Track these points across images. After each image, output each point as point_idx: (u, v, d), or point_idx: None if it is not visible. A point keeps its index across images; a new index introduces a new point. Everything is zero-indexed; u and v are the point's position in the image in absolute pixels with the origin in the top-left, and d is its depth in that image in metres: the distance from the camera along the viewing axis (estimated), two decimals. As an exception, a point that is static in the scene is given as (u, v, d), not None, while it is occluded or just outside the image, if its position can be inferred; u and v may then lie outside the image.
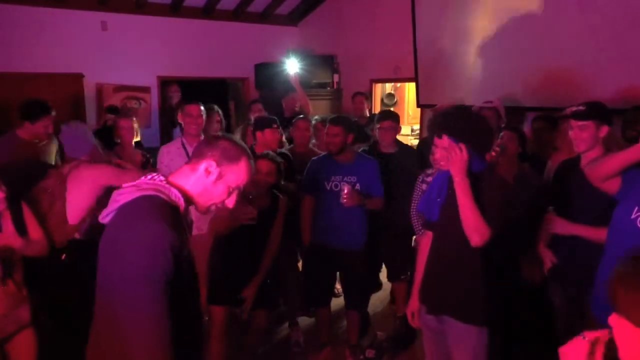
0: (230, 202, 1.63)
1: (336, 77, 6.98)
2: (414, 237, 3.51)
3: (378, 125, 3.74)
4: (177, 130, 4.52)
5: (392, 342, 3.75)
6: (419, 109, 6.20)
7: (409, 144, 5.13)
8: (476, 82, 5.11)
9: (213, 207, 1.64)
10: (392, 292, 4.28)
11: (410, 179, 3.41)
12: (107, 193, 2.93)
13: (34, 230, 2.63)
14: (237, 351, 3.27)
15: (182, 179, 1.58)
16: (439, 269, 2.25)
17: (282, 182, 3.27)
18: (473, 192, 2.05)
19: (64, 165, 2.98)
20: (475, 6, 5.03)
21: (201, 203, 1.60)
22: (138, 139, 4.25)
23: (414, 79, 5.74)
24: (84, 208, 2.93)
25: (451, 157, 2.07)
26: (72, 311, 2.97)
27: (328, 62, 6.92)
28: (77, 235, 2.99)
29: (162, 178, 1.55)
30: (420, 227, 3.14)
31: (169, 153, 3.48)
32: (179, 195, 1.53)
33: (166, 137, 5.29)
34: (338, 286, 3.99)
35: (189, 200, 1.58)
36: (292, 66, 5.77)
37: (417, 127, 7.02)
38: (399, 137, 3.92)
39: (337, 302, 3.87)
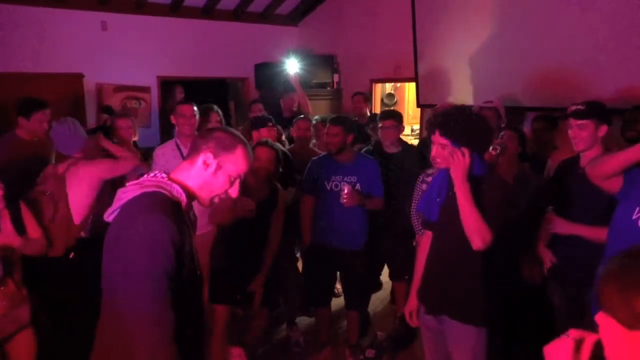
0: (234, 192, 1.63)
1: (336, 77, 6.97)
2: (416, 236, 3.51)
3: (380, 125, 3.73)
4: (176, 130, 4.51)
5: (392, 342, 3.75)
6: (419, 109, 6.20)
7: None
8: (476, 82, 5.11)
9: (216, 199, 1.64)
10: (392, 292, 4.28)
11: (413, 178, 3.41)
12: (104, 188, 3.00)
13: (33, 229, 2.64)
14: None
15: (182, 174, 1.59)
16: (438, 269, 2.25)
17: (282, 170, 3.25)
18: (474, 195, 2.04)
19: (58, 165, 2.96)
20: (475, 6, 5.02)
21: (203, 196, 1.61)
22: (136, 138, 4.25)
23: (414, 79, 5.74)
24: (86, 206, 2.95)
25: (453, 161, 2.06)
26: (72, 311, 2.98)
27: (328, 62, 6.92)
28: (82, 234, 3.01)
29: (164, 175, 1.57)
30: (420, 227, 3.14)
31: (164, 155, 3.44)
32: (181, 191, 1.54)
33: (166, 137, 5.28)
34: (338, 286, 3.99)
35: (190, 195, 1.59)
36: (292, 66, 5.78)
37: (417, 127, 7.02)
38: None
39: (337, 302, 3.87)
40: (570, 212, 2.57)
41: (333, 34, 7.00)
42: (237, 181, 1.62)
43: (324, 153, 3.56)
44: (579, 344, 1.06)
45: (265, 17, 7.07)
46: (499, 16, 4.84)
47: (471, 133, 2.08)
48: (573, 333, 1.08)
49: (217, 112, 3.97)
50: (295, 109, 5.23)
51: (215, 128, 1.66)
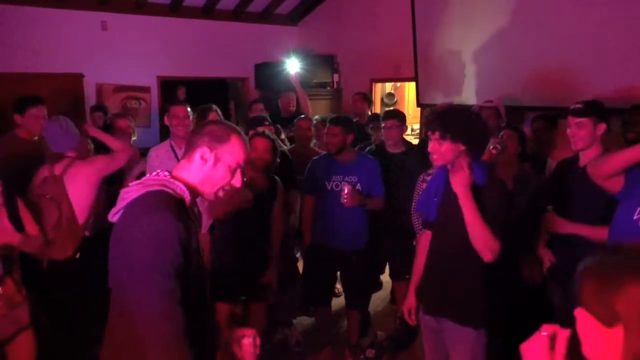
0: (237, 182, 1.63)
1: (336, 77, 6.97)
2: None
3: (383, 125, 3.73)
4: (171, 132, 4.49)
5: (392, 341, 3.75)
6: (419, 109, 6.20)
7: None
8: (476, 81, 5.11)
9: (220, 192, 1.64)
10: (392, 292, 4.28)
11: (415, 178, 3.40)
12: (101, 186, 3.02)
13: (31, 226, 2.62)
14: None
15: (183, 172, 1.59)
16: (437, 269, 2.25)
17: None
18: (476, 203, 2.04)
19: (53, 165, 2.93)
20: (475, 6, 5.02)
21: (207, 191, 1.61)
22: (135, 137, 4.26)
23: (414, 78, 5.74)
24: (87, 205, 2.97)
25: (453, 176, 2.06)
26: (73, 311, 2.98)
27: (328, 62, 6.92)
28: (86, 233, 3.02)
29: (166, 173, 1.57)
30: (420, 227, 3.14)
31: (158, 157, 3.39)
32: (184, 188, 1.54)
33: (166, 137, 5.21)
34: (338, 286, 3.99)
35: (194, 192, 1.59)
36: (293, 66, 5.78)
37: (417, 126, 7.01)
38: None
39: (337, 302, 3.87)
40: (570, 212, 2.57)
41: (333, 34, 6.99)
42: (239, 171, 1.62)
43: (325, 153, 3.56)
44: (553, 340, 1.06)
45: (265, 17, 7.07)
46: (499, 16, 4.84)
47: (468, 128, 2.09)
48: (546, 329, 1.08)
49: (216, 111, 3.97)
50: (292, 108, 5.22)
51: (207, 122, 1.67)
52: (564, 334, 1.06)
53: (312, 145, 4.27)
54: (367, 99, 5.58)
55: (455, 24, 5.21)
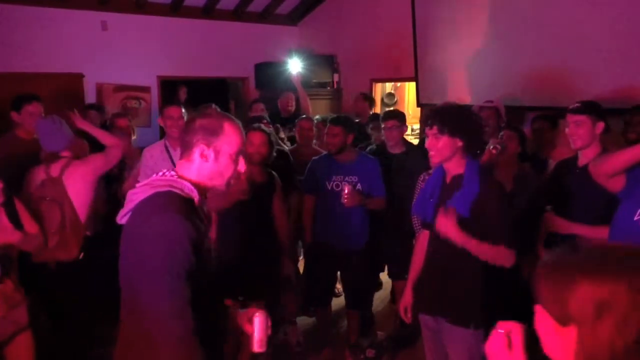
0: (242, 166, 1.63)
1: (336, 77, 6.97)
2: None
3: (383, 125, 3.73)
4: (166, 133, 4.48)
5: (392, 341, 3.75)
6: (419, 109, 6.20)
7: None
8: (476, 81, 5.10)
9: (232, 181, 1.65)
10: (392, 292, 4.28)
11: (416, 178, 3.40)
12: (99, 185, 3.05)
13: (30, 225, 2.61)
14: (235, 351, 3.26)
15: (186, 172, 1.58)
16: (435, 269, 2.26)
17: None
18: (477, 212, 2.06)
19: (49, 166, 2.92)
20: (475, 6, 5.02)
21: (218, 184, 1.61)
22: (135, 137, 4.25)
23: (414, 78, 5.73)
24: (86, 205, 2.97)
25: (439, 223, 2.07)
26: (73, 311, 2.98)
27: (328, 61, 6.91)
28: (88, 232, 3.02)
29: (173, 173, 1.56)
30: (419, 227, 3.15)
31: (152, 157, 3.35)
32: (192, 187, 1.54)
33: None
34: (338, 286, 3.99)
35: (202, 190, 1.59)
36: (295, 66, 5.78)
37: (417, 126, 7.01)
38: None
39: (338, 302, 3.87)
40: (570, 212, 2.57)
41: (333, 34, 6.99)
42: (241, 156, 1.62)
43: (325, 153, 3.56)
44: (509, 336, 1.06)
45: (265, 16, 7.07)
46: (499, 16, 4.84)
47: (466, 123, 2.12)
48: (502, 326, 1.09)
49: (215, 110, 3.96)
50: (291, 108, 5.22)
51: (194, 117, 1.62)
52: (518, 330, 1.06)
53: (313, 145, 4.27)
54: (368, 98, 5.58)
55: (455, 24, 5.21)
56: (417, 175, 3.25)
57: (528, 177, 3.12)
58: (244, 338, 1.73)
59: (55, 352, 2.85)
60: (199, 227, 1.50)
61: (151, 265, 1.42)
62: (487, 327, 2.17)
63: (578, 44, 4.24)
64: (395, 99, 7.95)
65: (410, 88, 7.32)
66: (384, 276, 4.40)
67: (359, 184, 3.31)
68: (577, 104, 2.54)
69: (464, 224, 2.07)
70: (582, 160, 2.53)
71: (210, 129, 1.56)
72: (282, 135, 4.46)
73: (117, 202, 3.49)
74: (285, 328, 3.81)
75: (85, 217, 2.97)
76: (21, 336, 2.53)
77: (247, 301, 3.09)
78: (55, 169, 2.91)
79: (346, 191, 3.14)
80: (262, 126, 3.20)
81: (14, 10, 5.32)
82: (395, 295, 4.11)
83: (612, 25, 4.05)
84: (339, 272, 3.66)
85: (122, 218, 1.56)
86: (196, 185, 1.55)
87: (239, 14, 6.83)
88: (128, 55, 6.03)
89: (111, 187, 3.57)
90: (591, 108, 2.50)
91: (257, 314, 1.68)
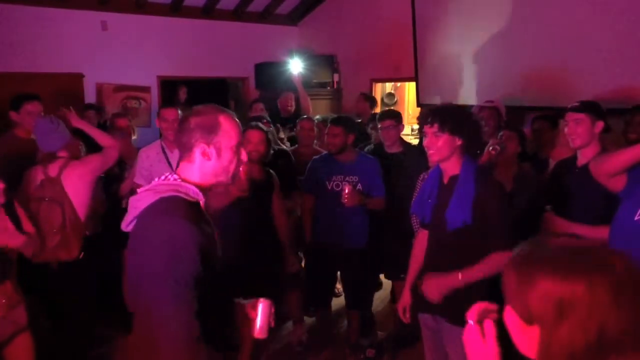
0: (244, 157, 1.62)
1: (336, 77, 6.97)
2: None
3: (379, 125, 3.73)
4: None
5: (392, 341, 3.75)
6: (419, 109, 6.19)
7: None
8: (476, 81, 5.11)
9: (238, 172, 1.65)
10: (392, 292, 4.28)
11: (415, 178, 3.40)
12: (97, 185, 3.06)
13: (27, 226, 2.61)
14: (235, 351, 3.26)
15: (189, 174, 1.56)
16: (434, 269, 2.25)
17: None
18: (478, 212, 2.06)
19: (47, 167, 2.91)
20: (476, 6, 5.02)
21: (224, 179, 1.60)
22: (135, 137, 4.25)
23: (414, 78, 5.74)
24: (85, 205, 2.97)
25: (426, 291, 2.14)
26: (73, 311, 2.98)
27: (328, 61, 6.92)
28: (87, 232, 3.03)
29: (176, 177, 1.54)
30: (418, 226, 3.15)
31: (148, 158, 3.30)
32: (197, 190, 1.52)
33: (166, 136, 5.28)
34: (338, 286, 3.99)
35: (207, 191, 1.57)
36: (296, 66, 5.78)
37: (417, 126, 7.01)
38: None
39: (338, 302, 3.86)
40: (570, 212, 2.57)
41: (333, 34, 6.99)
42: (240, 148, 1.60)
43: (326, 152, 3.56)
44: (481, 326, 1.07)
45: (265, 16, 7.07)
46: (499, 16, 4.84)
47: (466, 123, 2.13)
48: (471, 317, 1.09)
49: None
50: (291, 108, 5.21)
51: (187, 116, 1.58)
52: (489, 321, 1.06)
53: (314, 145, 4.26)
54: (369, 99, 5.58)
55: (455, 24, 5.21)
56: (415, 174, 3.26)
57: (528, 177, 3.11)
58: (245, 330, 1.72)
59: (55, 352, 2.85)
60: (206, 232, 1.48)
61: (155, 271, 1.41)
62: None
63: (578, 44, 4.25)
64: (395, 99, 7.95)
65: (410, 88, 7.32)
66: (383, 276, 4.40)
67: (359, 184, 3.31)
68: (576, 104, 2.55)
69: (465, 230, 2.08)
70: (581, 160, 2.53)
71: (208, 126, 1.53)
72: (282, 135, 4.46)
73: (117, 201, 3.50)
74: (295, 324, 3.81)
75: (84, 218, 2.97)
76: (21, 336, 2.52)
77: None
78: (53, 169, 2.90)
79: (346, 191, 3.14)
80: (259, 124, 3.22)
81: (14, 10, 5.32)
82: (395, 295, 4.11)
83: (612, 25, 4.05)
84: (339, 272, 3.66)
85: (127, 225, 1.54)
86: (200, 187, 1.53)
87: (239, 14, 6.84)
88: (128, 55, 6.03)
89: (111, 187, 3.58)
90: (590, 107, 2.50)
91: (261, 299, 1.69)
